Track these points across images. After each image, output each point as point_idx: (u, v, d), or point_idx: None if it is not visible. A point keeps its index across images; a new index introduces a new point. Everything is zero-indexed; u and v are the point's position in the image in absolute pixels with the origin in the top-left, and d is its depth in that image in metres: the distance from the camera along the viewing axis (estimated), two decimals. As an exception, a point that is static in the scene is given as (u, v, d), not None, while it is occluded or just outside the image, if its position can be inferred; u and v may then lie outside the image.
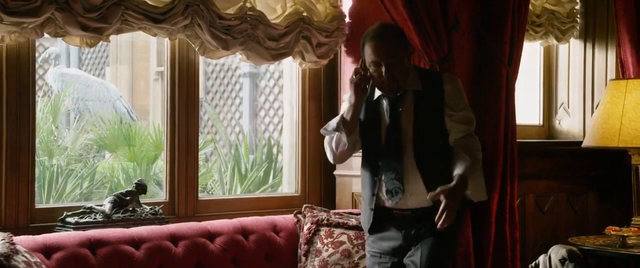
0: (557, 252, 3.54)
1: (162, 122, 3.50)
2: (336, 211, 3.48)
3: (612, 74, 4.30)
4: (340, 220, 3.33)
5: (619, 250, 3.58)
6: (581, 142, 4.02)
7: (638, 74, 4.10)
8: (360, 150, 2.95)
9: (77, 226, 2.98)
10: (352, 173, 3.79)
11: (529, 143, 4.05)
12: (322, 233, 3.29)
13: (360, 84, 2.77)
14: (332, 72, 3.87)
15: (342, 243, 3.26)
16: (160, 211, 3.23)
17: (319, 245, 3.27)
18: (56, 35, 2.95)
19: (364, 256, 3.21)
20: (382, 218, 2.85)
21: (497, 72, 3.56)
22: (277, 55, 3.51)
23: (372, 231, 2.89)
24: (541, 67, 4.46)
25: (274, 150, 5.56)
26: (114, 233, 2.94)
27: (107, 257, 2.85)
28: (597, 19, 4.39)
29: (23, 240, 2.71)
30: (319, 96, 3.85)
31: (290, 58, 3.63)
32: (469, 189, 2.70)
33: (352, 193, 3.79)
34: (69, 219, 3.01)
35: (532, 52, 4.36)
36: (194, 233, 3.12)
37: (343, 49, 3.82)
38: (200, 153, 3.63)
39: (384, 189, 2.81)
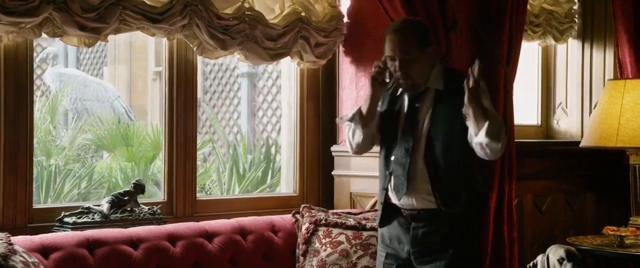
0: (555, 252, 3.55)
1: (160, 122, 3.49)
2: (334, 211, 3.48)
3: (610, 74, 4.30)
4: (339, 220, 3.33)
5: (617, 250, 3.58)
6: (579, 142, 4.02)
7: (636, 74, 4.10)
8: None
9: (75, 226, 2.98)
10: (350, 173, 3.79)
11: (527, 143, 4.05)
12: (320, 233, 3.29)
13: (377, 77, 2.79)
14: (330, 72, 3.87)
15: (340, 243, 3.26)
16: (159, 211, 3.23)
17: (317, 245, 3.27)
18: (54, 35, 2.94)
19: (362, 256, 3.21)
20: (391, 215, 2.84)
21: (495, 72, 3.56)
22: (275, 55, 3.51)
23: (381, 225, 2.89)
24: (539, 67, 4.46)
25: (272, 150, 5.56)
26: (112, 233, 2.94)
27: (105, 257, 2.85)
28: (595, 19, 4.40)
29: (21, 240, 2.70)
30: (317, 96, 3.85)
31: (288, 58, 3.63)
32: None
33: (350, 193, 3.79)
34: (66, 219, 3.01)
35: (530, 52, 4.36)
36: (192, 233, 3.11)
37: (341, 49, 3.82)
38: (198, 153, 3.63)
39: (392, 184, 2.80)
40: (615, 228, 3.69)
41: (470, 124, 2.66)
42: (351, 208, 3.73)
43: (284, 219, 3.41)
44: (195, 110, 3.45)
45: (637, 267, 3.79)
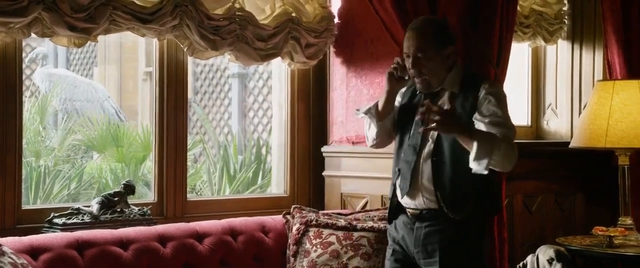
0: (544, 252, 3.56)
1: (151, 122, 3.49)
2: (325, 212, 3.48)
3: (599, 75, 4.32)
4: (329, 221, 3.33)
5: (606, 250, 3.60)
6: (569, 143, 4.04)
7: (625, 75, 4.13)
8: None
9: (65, 227, 2.96)
10: (341, 174, 3.79)
11: (517, 144, 4.06)
12: (310, 234, 3.29)
13: (393, 73, 2.79)
14: (321, 73, 3.87)
15: (330, 243, 3.26)
16: (149, 212, 3.22)
17: (307, 245, 3.27)
18: (43, 36, 2.93)
19: (352, 257, 3.22)
20: (397, 212, 2.84)
21: (485, 72, 3.57)
22: (266, 56, 3.51)
23: (389, 221, 2.89)
24: (529, 68, 4.47)
25: (263, 150, 5.56)
26: (102, 234, 2.93)
27: (95, 258, 2.84)
28: (585, 21, 4.42)
29: (9, 242, 2.69)
30: (308, 97, 3.85)
31: (279, 59, 3.63)
32: (470, 144, 2.57)
33: (341, 193, 3.79)
34: (56, 220, 3.00)
35: (520, 53, 4.37)
36: (183, 234, 3.11)
37: (332, 49, 3.82)
38: (188, 154, 3.62)
39: (399, 181, 2.80)
40: (604, 228, 3.70)
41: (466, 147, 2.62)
42: (342, 209, 3.74)
43: (275, 220, 3.41)
44: (186, 110, 3.44)
45: (626, 266, 3.81)
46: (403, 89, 2.90)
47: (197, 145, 5.95)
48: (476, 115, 2.67)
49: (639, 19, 4.22)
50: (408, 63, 2.74)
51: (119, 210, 3.15)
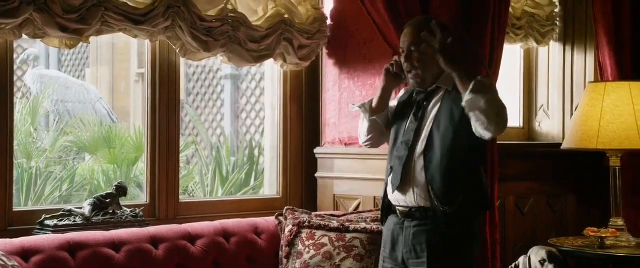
0: (536, 253, 3.57)
1: (143, 124, 3.48)
2: (318, 213, 3.48)
3: (591, 76, 4.34)
4: (322, 222, 3.33)
5: (598, 251, 3.61)
6: (561, 144, 4.05)
7: (616, 77, 4.14)
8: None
9: (56, 229, 2.95)
10: (333, 175, 3.79)
11: (509, 145, 4.08)
12: (303, 235, 3.29)
13: (389, 69, 2.83)
14: (313, 74, 3.87)
15: (323, 245, 3.26)
16: (141, 213, 3.21)
17: (300, 247, 3.27)
18: (35, 37, 2.92)
19: (345, 258, 3.22)
20: (388, 212, 2.85)
21: (477, 74, 3.58)
22: (259, 57, 3.50)
23: (381, 222, 2.91)
24: (521, 70, 4.48)
25: (256, 152, 5.55)
26: (94, 236, 2.92)
27: (87, 260, 2.83)
28: (576, 23, 4.44)
29: (0, 244, 2.68)
30: (301, 98, 3.85)
31: (271, 60, 3.63)
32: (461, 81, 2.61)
33: (334, 195, 3.79)
34: (47, 222, 2.99)
35: (512, 55, 4.38)
36: (175, 235, 3.10)
37: (324, 51, 3.82)
38: (181, 155, 3.61)
39: (390, 178, 2.81)
40: (595, 229, 3.72)
41: (461, 90, 2.62)
42: (335, 210, 3.74)
43: (268, 221, 3.41)
44: (178, 112, 3.44)
45: (617, 267, 3.82)
46: (401, 92, 2.93)
47: (190, 147, 5.94)
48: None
49: (630, 21, 4.24)
50: (402, 59, 2.79)
51: (111, 211, 3.14)
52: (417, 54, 2.74)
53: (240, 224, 3.33)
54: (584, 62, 4.39)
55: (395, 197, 2.79)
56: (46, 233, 2.92)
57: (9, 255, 2.62)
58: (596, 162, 4.22)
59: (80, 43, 3.05)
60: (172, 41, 3.27)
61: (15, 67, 3.30)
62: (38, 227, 2.99)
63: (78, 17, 2.91)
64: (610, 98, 3.78)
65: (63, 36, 2.94)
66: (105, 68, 7.87)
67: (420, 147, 2.74)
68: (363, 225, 3.29)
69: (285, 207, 3.46)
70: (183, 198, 3.65)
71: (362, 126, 2.95)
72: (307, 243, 3.27)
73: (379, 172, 3.13)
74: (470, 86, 2.60)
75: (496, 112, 2.61)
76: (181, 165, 3.64)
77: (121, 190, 3.20)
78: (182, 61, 3.49)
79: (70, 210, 3.07)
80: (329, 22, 3.76)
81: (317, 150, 3.86)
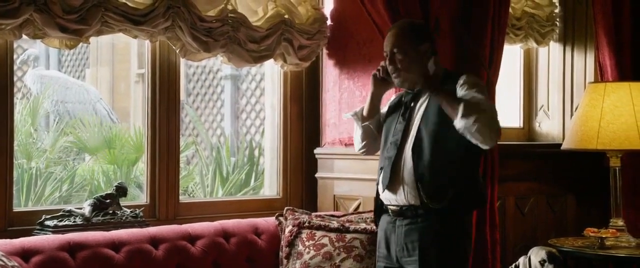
0: (536, 254, 3.57)
1: (143, 124, 3.48)
2: (318, 213, 3.48)
3: (591, 76, 4.34)
4: (322, 223, 3.33)
5: (598, 252, 3.61)
6: (561, 145, 4.05)
7: (616, 77, 4.15)
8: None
9: (56, 229, 2.95)
10: (333, 176, 3.79)
11: (509, 146, 4.08)
12: (303, 235, 3.29)
13: (376, 74, 2.88)
14: (313, 75, 3.87)
15: (323, 245, 3.26)
16: (141, 214, 3.21)
17: (300, 247, 3.27)
18: (35, 37, 2.92)
19: (345, 258, 3.22)
20: (381, 212, 2.88)
21: (478, 74, 3.58)
22: (259, 58, 3.50)
23: (375, 221, 2.94)
24: (521, 70, 4.49)
25: (256, 152, 5.55)
26: (94, 236, 2.92)
27: (87, 260, 2.83)
28: (576, 23, 4.44)
29: (0, 244, 2.68)
30: (301, 98, 3.85)
31: (271, 60, 3.63)
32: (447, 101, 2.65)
33: (334, 195, 3.79)
34: (47, 222, 2.98)
35: (512, 55, 4.39)
36: (175, 236, 3.10)
37: (324, 51, 3.82)
38: (181, 155, 3.61)
39: (381, 178, 2.84)
40: (595, 229, 3.72)
41: (451, 114, 2.65)
42: (335, 210, 3.73)
43: (268, 222, 3.41)
44: (178, 112, 3.44)
45: (617, 268, 3.83)
46: (391, 98, 2.97)
47: (190, 147, 5.94)
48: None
49: (630, 22, 4.24)
50: (386, 61, 2.82)
51: (111, 212, 3.14)
52: (399, 56, 2.77)
53: (240, 224, 3.32)
54: (584, 62, 4.39)
55: (386, 196, 2.81)
56: (46, 234, 2.92)
57: (9, 255, 2.62)
58: (596, 162, 4.22)
59: (80, 43, 3.05)
60: (172, 41, 3.27)
61: (15, 67, 3.30)
62: (38, 227, 2.99)
63: (78, 17, 2.91)
64: (610, 98, 3.78)
65: (63, 36, 2.94)
66: (105, 68, 7.87)
67: (409, 145, 2.76)
68: (363, 225, 3.29)
69: (285, 208, 3.46)
70: (183, 198, 3.65)
71: (356, 134, 3.00)
72: (307, 243, 3.27)
73: (379, 172, 3.13)
74: (460, 111, 2.61)
75: (489, 128, 2.63)
76: (181, 165, 3.63)
77: (121, 191, 3.19)
78: (182, 61, 3.50)
79: (70, 211, 3.07)
80: (329, 22, 3.77)
81: (317, 151, 3.86)
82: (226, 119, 7.22)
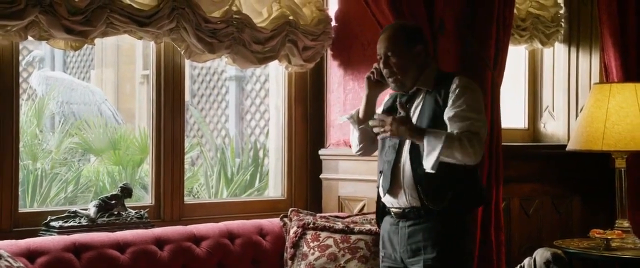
0: (541, 255, 3.56)
1: (148, 125, 3.48)
2: (322, 214, 3.48)
3: (596, 77, 4.33)
4: (327, 224, 3.33)
5: (603, 253, 3.60)
6: (566, 146, 4.04)
7: (621, 78, 4.14)
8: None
9: (62, 230, 2.96)
10: (338, 177, 3.79)
11: (514, 147, 4.07)
12: (308, 236, 3.29)
13: (370, 77, 2.89)
14: (318, 76, 3.87)
15: (328, 246, 3.26)
16: (146, 215, 3.21)
17: (305, 248, 3.27)
18: (40, 38, 2.93)
19: (350, 259, 3.22)
20: (383, 214, 2.90)
21: (482, 75, 3.58)
22: (263, 59, 3.51)
23: (377, 223, 2.96)
24: (526, 71, 4.48)
25: (260, 153, 5.55)
26: (99, 237, 2.92)
27: (92, 261, 2.83)
28: (581, 24, 4.43)
29: (6, 245, 2.68)
30: (305, 99, 3.85)
31: (276, 61, 3.63)
32: (424, 148, 2.65)
33: (339, 196, 3.79)
34: (53, 223, 2.99)
35: (517, 56, 4.38)
36: (180, 237, 3.10)
37: (329, 52, 3.82)
38: (186, 156, 3.62)
39: (381, 181, 2.86)
40: (601, 231, 3.71)
41: (427, 153, 2.67)
42: (339, 211, 3.73)
43: (272, 223, 3.41)
44: (183, 113, 3.44)
45: (623, 269, 3.82)
46: (385, 99, 2.98)
47: (195, 148, 5.95)
48: (446, 110, 2.72)
49: (636, 23, 4.23)
50: (381, 65, 2.83)
51: (116, 213, 3.14)
52: (394, 60, 2.79)
53: (244, 225, 3.33)
54: (589, 63, 4.38)
55: (388, 200, 2.83)
56: (52, 235, 2.93)
57: (15, 256, 2.63)
58: (601, 163, 4.21)
59: (85, 45, 3.06)
60: (176, 43, 3.27)
61: (20, 68, 3.31)
62: (43, 228, 3.00)
63: (83, 18, 2.92)
64: (615, 99, 3.77)
65: (68, 38, 2.95)
66: (110, 70, 7.88)
67: (407, 147, 2.77)
68: (368, 226, 3.29)
69: (290, 209, 3.46)
70: (188, 199, 3.65)
71: (353, 136, 3.01)
72: (311, 244, 3.27)
73: (383, 173, 3.13)
74: (440, 148, 2.61)
75: (473, 153, 2.65)
76: (186, 166, 3.64)
77: (126, 192, 3.20)
78: (187, 63, 3.50)
79: (75, 212, 3.07)
80: (333, 23, 3.77)
81: (321, 152, 3.86)
82: (231, 120, 7.23)
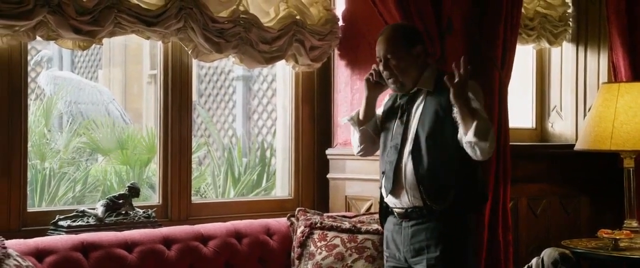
0: (549, 255, 3.55)
1: (155, 125, 3.49)
2: (329, 214, 3.48)
3: (604, 77, 4.31)
4: (334, 223, 3.32)
5: (612, 253, 3.59)
6: (574, 145, 4.03)
7: (630, 78, 4.12)
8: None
9: (70, 229, 2.97)
10: (345, 176, 3.79)
11: (521, 147, 4.06)
12: (315, 236, 3.29)
13: (369, 79, 2.90)
14: (325, 76, 3.87)
15: (335, 246, 3.26)
16: (154, 214, 3.22)
17: (312, 248, 3.27)
18: (49, 38, 2.94)
19: (357, 259, 3.22)
20: (386, 214, 2.91)
21: (490, 75, 3.57)
22: (271, 59, 3.51)
23: (381, 224, 2.97)
24: (534, 70, 4.47)
25: (268, 153, 5.56)
26: (107, 236, 2.93)
27: (100, 260, 2.84)
28: (589, 23, 4.41)
29: (15, 244, 2.69)
30: (312, 99, 3.86)
31: (283, 61, 3.64)
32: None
33: (346, 196, 3.79)
34: (61, 223, 3.00)
35: (524, 55, 4.37)
36: (187, 236, 3.11)
37: (336, 52, 3.82)
38: (193, 156, 3.62)
39: (383, 182, 2.87)
40: (609, 231, 3.69)
41: (459, 123, 2.68)
42: (346, 211, 3.73)
43: (279, 222, 3.41)
44: (190, 113, 3.45)
45: (632, 269, 3.80)
46: (386, 99, 2.98)
47: (202, 148, 5.96)
48: (453, 108, 2.70)
49: (644, 21, 4.21)
50: (381, 67, 2.83)
51: (123, 212, 3.15)
52: (394, 62, 2.80)
53: (252, 225, 3.33)
54: (597, 62, 4.36)
55: (391, 200, 2.85)
56: (60, 234, 2.94)
57: (24, 255, 2.64)
58: (610, 163, 4.19)
59: (93, 44, 3.07)
60: (184, 42, 3.28)
61: (29, 68, 3.32)
62: (52, 227, 3.01)
63: (91, 18, 2.93)
64: (624, 99, 3.76)
65: (76, 38, 2.96)
66: (118, 69, 7.91)
67: (408, 148, 2.79)
68: (375, 226, 3.29)
69: (297, 208, 3.46)
70: (195, 199, 3.66)
71: (353, 138, 3.02)
72: (319, 244, 3.27)
73: (390, 173, 3.13)
74: (473, 129, 2.63)
75: (487, 153, 2.69)
76: (193, 166, 3.65)
77: (134, 191, 3.21)
78: (194, 62, 3.51)
79: (83, 211, 3.09)
80: (340, 23, 3.76)
81: (328, 151, 3.86)
82: (238, 119, 7.24)
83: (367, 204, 3.70)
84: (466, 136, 2.66)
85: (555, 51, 4.46)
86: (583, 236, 4.04)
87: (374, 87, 2.91)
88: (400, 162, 2.79)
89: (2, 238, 2.58)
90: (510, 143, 3.70)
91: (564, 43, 4.43)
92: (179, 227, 3.18)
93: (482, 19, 3.57)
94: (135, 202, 3.24)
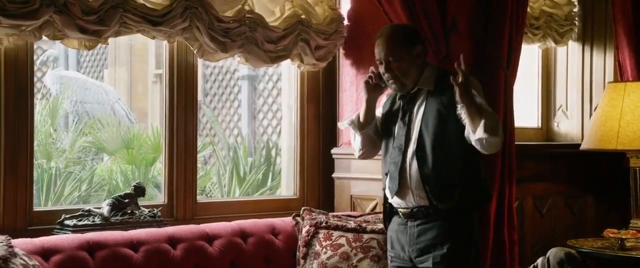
0: (555, 255, 3.54)
1: (161, 124, 3.50)
2: (335, 213, 3.48)
3: (610, 76, 4.30)
4: (339, 223, 3.32)
5: (618, 253, 3.58)
6: (579, 145, 4.02)
7: (636, 77, 4.10)
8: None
9: (76, 229, 2.98)
10: (350, 176, 3.79)
11: (527, 146, 4.05)
12: (320, 235, 3.29)
13: (369, 81, 2.89)
14: (330, 75, 3.87)
15: (340, 245, 3.26)
16: (159, 214, 3.23)
17: (317, 247, 3.27)
18: (54, 38, 2.95)
19: (362, 259, 3.22)
20: (391, 215, 2.92)
21: (495, 74, 3.56)
22: (276, 58, 3.51)
23: (385, 225, 2.97)
24: (539, 70, 4.46)
25: (273, 152, 5.56)
26: (113, 236, 2.94)
27: (106, 259, 2.85)
28: (595, 22, 4.40)
29: (21, 243, 2.70)
30: (318, 99, 3.86)
31: (288, 60, 3.64)
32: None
33: (351, 195, 3.79)
34: (67, 222, 3.01)
35: (530, 55, 4.36)
36: (193, 236, 3.11)
37: (341, 51, 3.82)
38: (198, 155, 3.63)
39: (387, 184, 2.87)
40: (615, 230, 3.68)
41: (466, 121, 2.68)
42: (351, 210, 3.73)
43: (285, 222, 3.41)
44: (196, 112, 3.45)
45: (638, 269, 3.78)
46: (384, 100, 2.98)
47: (207, 147, 5.96)
48: (458, 107, 2.70)
49: (650, 21, 4.20)
50: (381, 69, 2.83)
51: (129, 211, 3.16)
52: (396, 64, 2.79)
53: (257, 224, 3.33)
54: (603, 61, 4.35)
55: (396, 201, 2.85)
56: (66, 233, 2.95)
57: (30, 254, 2.65)
58: (616, 162, 4.18)
59: (99, 44, 3.08)
60: (189, 42, 3.28)
61: (35, 68, 3.33)
62: (58, 226, 3.02)
63: (97, 18, 2.94)
64: (630, 98, 3.75)
65: (82, 37, 2.97)
66: (123, 69, 7.92)
67: (412, 148, 2.79)
68: (380, 225, 3.28)
69: (302, 208, 3.46)
70: (200, 198, 3.66)
71: (354, 141, 3.02)
72: (324, 243, 3.27)
73: (396, 172, 3.12)
74: (482, 126, 2.64)
75: (496, 147, 2.71)
76: (198, 165, 3.65)
77: (139, 191, 3.21)
78: (200, 62, 3.51)
79: (89, 210, 3.09)
80: (345, 22, 3.76)
81: (334, 151, 3.86)
82: (243, 119, 7.24)
83: (372, 203, 3.70)
84: (475, 134, 2.66)
85: (561, 50, 4.45)
86: (589, 236, 4.03)
87: (374, 90, 2.91)
88: (405, 162, 2.79)
89: (9, 237, 2.59)
90: (516, 143, 3.69)
91: (570, 42, 4.42)
92: (185, 226, 3.18)
93: (487, 18, 3.57)
94: (141, 202, 3.25)
